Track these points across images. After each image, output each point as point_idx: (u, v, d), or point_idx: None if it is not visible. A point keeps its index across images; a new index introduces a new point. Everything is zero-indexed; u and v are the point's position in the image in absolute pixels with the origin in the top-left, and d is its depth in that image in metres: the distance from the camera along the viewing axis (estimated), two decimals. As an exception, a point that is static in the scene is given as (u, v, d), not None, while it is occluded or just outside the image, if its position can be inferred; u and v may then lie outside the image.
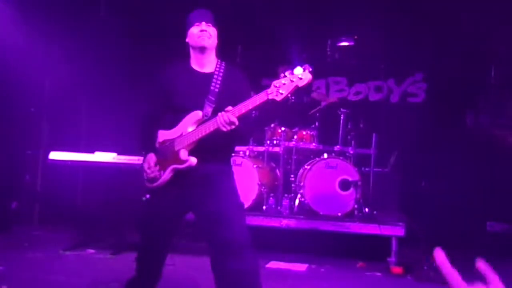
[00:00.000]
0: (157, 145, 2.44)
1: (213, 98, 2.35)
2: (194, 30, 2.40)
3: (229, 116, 2.17)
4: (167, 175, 2.37)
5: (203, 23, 2.40)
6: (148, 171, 2.40)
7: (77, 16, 5.56)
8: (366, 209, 4.52)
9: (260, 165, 4.70)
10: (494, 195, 5.16)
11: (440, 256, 0.72)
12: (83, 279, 3.28)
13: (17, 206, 5.55)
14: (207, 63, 2.44)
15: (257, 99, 2.21)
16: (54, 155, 4.52)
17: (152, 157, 2.42)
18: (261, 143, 4.99)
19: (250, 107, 2.21)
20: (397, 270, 3.96)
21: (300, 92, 5.32)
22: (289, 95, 2.17)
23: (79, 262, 3.93)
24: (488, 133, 5.50)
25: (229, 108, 2.20)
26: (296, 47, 6.06)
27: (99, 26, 5.79)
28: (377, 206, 4.71)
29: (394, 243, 4.10)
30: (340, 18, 5.78)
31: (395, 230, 4.11)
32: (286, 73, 2.17)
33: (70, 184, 5.26)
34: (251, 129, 2.61)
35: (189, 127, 2.34)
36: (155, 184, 2.40)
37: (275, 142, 4.90)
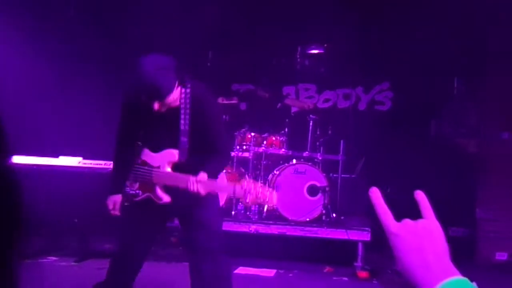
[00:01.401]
0: (139, 162, 2.42)
1: (185, 139, 2.34)
2: None
3: (199, 188, 2.23)
4: (143, 197, 2.39)
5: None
6: (112, 212, 2.42)
7: (44, 15, 5.40)
8: (334, 215, 4.59)
9: (229, 171, 4.70)
10: (455, 201, 5.34)
11: (375, 194, 0.74)
12: (46, 287, 3.17)
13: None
14: (171, 100, 2.26)
15: (226, 189, 2.39)
16: (17, 159, 4.36)
17: (118, 199, 2.42)
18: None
19: (218, 191, 2.37)
20: (363, 274, 4.03)
21: (272, 98, 5.37)
22: (250, 204, 2.33)
23: (41, 270, 3.79)
24: (450, 142, 5.71)
25: (202, 176, 2.23)
26: (266, 53, 6.11)
27: (68, 25, 5.64)
28: (344, 212, 4.80)
29: (360, 248, 4.17)
30: (310, 25, 5.87)
31: (361, 235, 4.19)
32: (260, 188, 2.22)
33: (33, 189, 5.08)
34: (220, 168, 2.57)
35: (166, 166, 2.37)
36: (135, 199, 2.41)
37: (244, 147, 4.91)
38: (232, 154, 4.94)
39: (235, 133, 4.98)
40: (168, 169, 2.38)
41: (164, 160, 2.39)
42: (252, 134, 4.84)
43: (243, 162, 4.99)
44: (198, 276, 2.40)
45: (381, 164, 5.82)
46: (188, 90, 2.33)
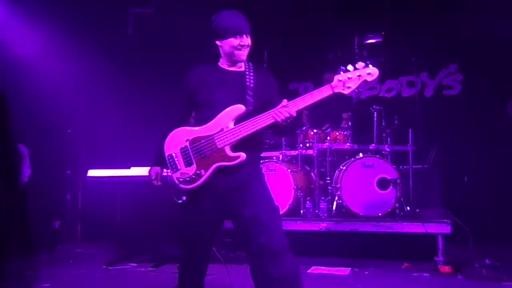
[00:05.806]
0: (186, 143, 2.35)
1: (251, 93, 2.32)
2: (235, 42, 2.33)
3: (290, 111, 2.19)
4: (209, 173, 2.28)
5: (244, 36, 2.34)
6: (154, 182, 2.46)
7: (105, 35, 5.72)
8: (408, 208, 4.37)
9: (294, 169, 4.64)
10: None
11: None
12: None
13: (60, 225, 5.70)
14: (235, 65, 2.44)
15: (320, 93, 2.21)
16: (92, 173, 4.61)
17: (159, 170, 2.48)
18: (294, 147, 4.93)
19: (311, 102, 2.22)
20: (446, 269, 3.77)
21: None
22: (356, 89, 2.22)
23: (122, 276, 3.98)
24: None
25: (285, 101, 2.21)
26: (322, 48, 5.98)
27: (127, 44, 5.93)
28: (419, 204, 4.54)
29: (440, 241, 3.92)
30: (366, 14, 5.67)
31: (441, 228, 3.93)
32: (349, 67, 2.22)
33: (109, 200, 5.36)
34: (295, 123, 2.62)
35: (230, 122, 2.28)
36: (194, 185, 2.31)
37: (308, 145, 4.82)
38: (296, 152, 4.89)
39: (297, 131, 4.91)
40: (232, 124, 2.27)
41: (227, 120, 2.27)
42: (315, 130, 4.75)
43: (307, 160, 4.90)
44: (262, 280, 2.22)
45: (455, 152, 5.47)
46: (250, 63, 2.45)
